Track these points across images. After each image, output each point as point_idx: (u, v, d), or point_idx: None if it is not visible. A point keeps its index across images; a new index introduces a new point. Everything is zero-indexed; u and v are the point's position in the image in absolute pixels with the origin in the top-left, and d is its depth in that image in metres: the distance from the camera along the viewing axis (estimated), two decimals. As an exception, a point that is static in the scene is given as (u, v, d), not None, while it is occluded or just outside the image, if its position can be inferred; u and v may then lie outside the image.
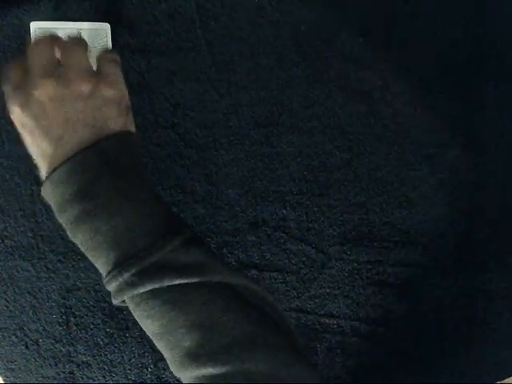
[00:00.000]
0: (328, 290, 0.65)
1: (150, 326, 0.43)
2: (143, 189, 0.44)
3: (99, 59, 0.48)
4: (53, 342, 0.64)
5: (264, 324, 0.43)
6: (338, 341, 0.65)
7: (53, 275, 0.63)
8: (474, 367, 0.67)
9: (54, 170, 0.42)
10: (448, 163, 0.65)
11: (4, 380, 0.64)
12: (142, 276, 0.41)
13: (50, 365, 0.64)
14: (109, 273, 0.42)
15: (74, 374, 0.64)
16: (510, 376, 0.68)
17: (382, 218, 0.64)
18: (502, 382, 0.68)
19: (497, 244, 0.66)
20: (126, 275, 0.41)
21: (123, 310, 0.64)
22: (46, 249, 0.62)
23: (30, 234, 0.62)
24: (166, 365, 0.64)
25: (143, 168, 0.47)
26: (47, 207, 0.61)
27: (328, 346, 0.65)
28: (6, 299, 0.63)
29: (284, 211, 0.64)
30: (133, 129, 0.48)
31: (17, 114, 0.44)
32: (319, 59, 0.62)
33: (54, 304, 0.63)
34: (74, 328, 0.64)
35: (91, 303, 0.63)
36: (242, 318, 0.42)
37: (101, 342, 0.64)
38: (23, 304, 0.63)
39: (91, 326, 0.64)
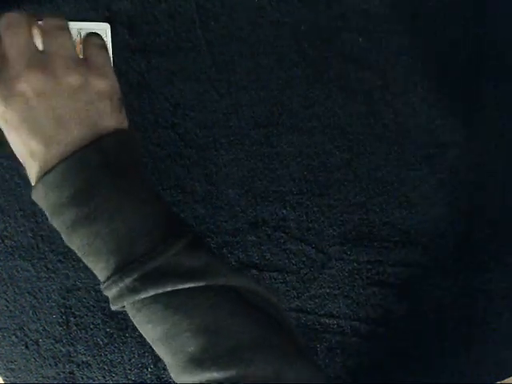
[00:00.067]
0: (328, 290, 0.65)
1: (151, 331, 0.41)
2: (144, 189, 0.42)
3: (84, 45, 0.43)
4: (53, 341, 0.64)
5: (268, 326, 0.42)
6: (338, 341, 0.65)
7: (53, 275, 0.63)
8: (474, 367, 0.67)
9: (48, 171, 0.39)
10: (448, 163, 0.65)
11: (4, 380, 0.64)
12: (144, 281, 0.39)
13: (49, 365, 0.64)
14: (108, 278, 0.40)
15: (74, 374, 0.64)
16: (509, 376, 0.68)
17: (382, 218, 0.64)
18: (502, 382, 0.68)
19: (497, 244, 0.66)
20: (128, 280, 0.39)
21: (123, 310, 0.64)
22: (46, 249, 0.62)
23: (30, 234, 0.62)
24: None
25: (143, 167, 0.44)
26: (47, 207, 0.62)
27: (328, 346, 0.65)
28: (6, 299, 0.63)
29: (284, 211, 0.64)
30: (127, 125, 0.44)
31: None
32: (319, 59, 0.62)
33: (53, 304, 0.63)
34: (74, 328, 0.64)
35: (91, 303, 0.63)
36: (249, 322, 0.41)
37: (101, 342, 0.64)
38: (23, 304, 0.63)
39: (91, 326, 0.64)
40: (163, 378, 0.64)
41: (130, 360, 0.64)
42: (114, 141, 0.41)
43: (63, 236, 0.41)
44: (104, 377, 0.64)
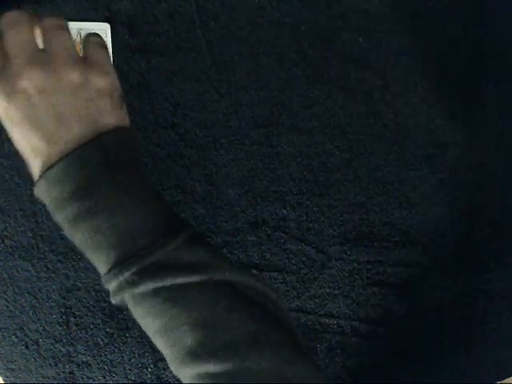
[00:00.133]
0: (328, 290, 0.65)
1: (150, 324, 0.42)
2: (144, 186, 0.43)
3: (84, 44, 0.44)
4: (53, 341, 0.64)
5: (267, 322, 0.42)
6: (338, 341, 0.65)
7: (53, 275, 0.63)
8: (474, 367, 0.67)
9: (50, 167, 0.40)
10: (448, 163, 0.65)
11: (4, 380, 0.64)
12: (143, 275, 0.40)
13: (49, 365, 0.64)
14: (109, 271, 0.41)
15: (74, 374, 0.64)
16: (510, 376, 0.68)
17: (382, 218, 0.64)
18: (502, 382, 0.68)
19: (497, 244, 0.66)
20: (127, 274, 0.40)
21: (123, 310, 0.64)
22: (46, 249, 0.62)
23: (30, 234, 0.62)
24: (166, 365, 0.64)
25: (143, 165, 0.45)
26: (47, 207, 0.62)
27: (328, 346, 0.65)
28: (6, 299, 0.63)
29: (284, 211, 0.64)
30: (128, 123, 0.45)
31: (1, 106, 0.41)
32: (319, 59, 0.62)
33: (54, 304, 0.63)
34: (74, 328, 0.64)
35: (91, 303, 0.63)
36: (246, 317, 0.42)
37: (101, 342, 0.64)
38: (23, 304, 0.63)
39: (91, 326, 0.64)
40: (163, 378, 0.64)
41: (129, 360, 0.64)
42: (114, 138, 0.42)
43: (66, 231, 0.42)
44: (104, 377, 0.64)
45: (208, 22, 0.61)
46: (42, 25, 0.42)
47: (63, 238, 0.62)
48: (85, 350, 0.64)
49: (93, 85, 0.42)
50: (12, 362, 0.64)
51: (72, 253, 0.63)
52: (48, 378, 0.64)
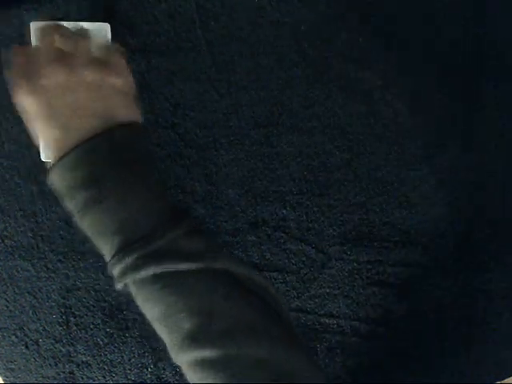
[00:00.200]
0: (328, 290, 0.65)
1: (150, 310, 0.43)
2: (150, 179, 0.45)
3: (105, 51, 0.49)
4: (53, 341, 0.64)
5: (265, 313, 0.43)
6: (338, 341, 0.65)
7: (53, 275, 0.63)
8: (474, 367, 0.67)
9: (63, 156, 0.43)
10: (448, 163, 0.65)
11: (4, 380, 0.64)
12: (145, 260, 0.42)
13: (50, 365, 0.64)
14: (113, 257, 0.43)
15: (74, 374, 0.64)
16: (510, 376, 0.68)
17: (382, 217, 0.64)
18: (502, 382, 0.68)
19: (497, 244, 0.66)
20: (130, 259, 0.42)
21: (123, 310, 0.64)
22: (46, 249, 0.62)
23: (30, 234, 0.62)
24: (166, 365, 0.65)
25: (151, 160, 0.47)
26: (47, 207, 0.62)
27: (328, 346, 0.65)
28: (6, 299, 0.63)
29: (284, 211, 0.64)
30: (140, 120, 0.49)
31: (24, 102, 0.45)
32: (319, 59, 0.62)
33: (54, 304, 0.63)
34: (74, 328, 0.64)
35: (91, 303, 0.63)
36: (243, 306, 0.43)
37: (101, 342, 0.64)
38: (23, 304, 0.63)
39: (91, 326, 0.64)
40: (163, 378, 0.64)
41: (129, 360, 0.64)
42: (125, 132, 0.45)
43: (76, 218, 0.45)
44: (104, 377, 0.64)
45: (208, 22, 0.61)
46: (64, 31, 0.48)
47: (63, 237, 0.62)
48: (85, 349, 0.64)
49: (109, 83, 0.46)
50: (12, 361, 0.64)
51: (72, 253, 0.63)
52: (48, 377, 0.64)
